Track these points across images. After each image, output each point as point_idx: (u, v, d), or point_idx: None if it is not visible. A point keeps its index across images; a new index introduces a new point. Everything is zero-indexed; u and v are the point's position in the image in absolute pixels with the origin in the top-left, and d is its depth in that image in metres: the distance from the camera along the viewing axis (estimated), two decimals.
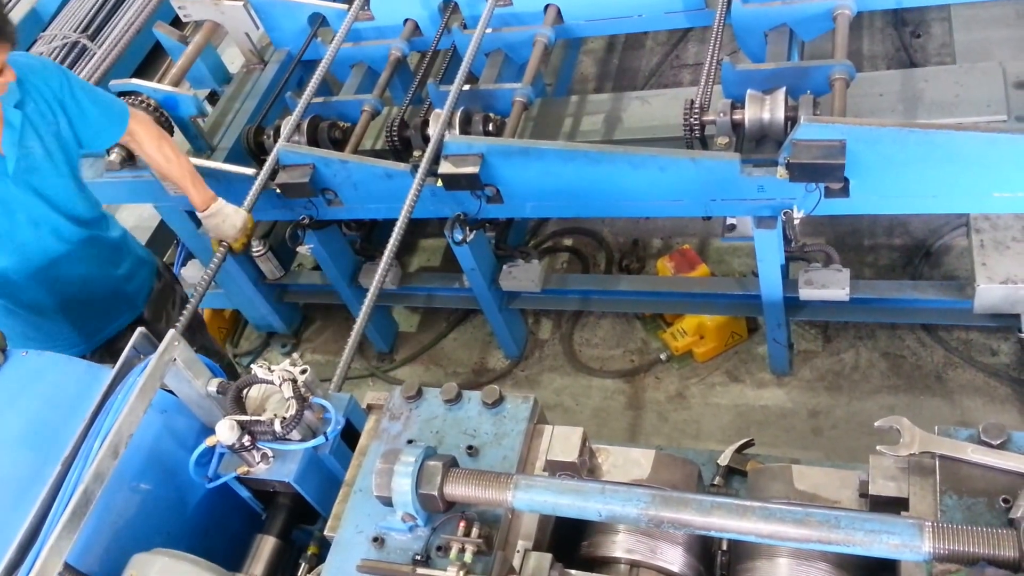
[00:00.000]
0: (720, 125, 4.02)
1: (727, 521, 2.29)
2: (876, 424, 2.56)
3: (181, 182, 4.24)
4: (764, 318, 4.59)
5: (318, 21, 5.47)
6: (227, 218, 4.26)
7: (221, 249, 4.20)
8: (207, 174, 4.68)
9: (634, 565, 2.71)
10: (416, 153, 4.66)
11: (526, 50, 4.99)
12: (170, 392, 3.20)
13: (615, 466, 2.88)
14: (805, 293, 4.21)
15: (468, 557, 2.54)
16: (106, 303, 4.14)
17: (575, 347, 5.50)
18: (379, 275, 3.95)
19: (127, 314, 4.23)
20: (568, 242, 5.99)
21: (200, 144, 5.19)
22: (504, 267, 4.93)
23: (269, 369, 3.06)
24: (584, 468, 2.81)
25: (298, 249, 4.96)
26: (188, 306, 3.95)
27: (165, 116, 4.99)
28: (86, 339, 4.16)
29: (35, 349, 3.50)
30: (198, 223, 5.10)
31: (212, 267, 4.10)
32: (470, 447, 2.86)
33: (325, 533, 2.91)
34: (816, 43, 4.56)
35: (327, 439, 3.10)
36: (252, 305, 5.89)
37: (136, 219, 6.35)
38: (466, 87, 4.62)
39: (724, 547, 2.80)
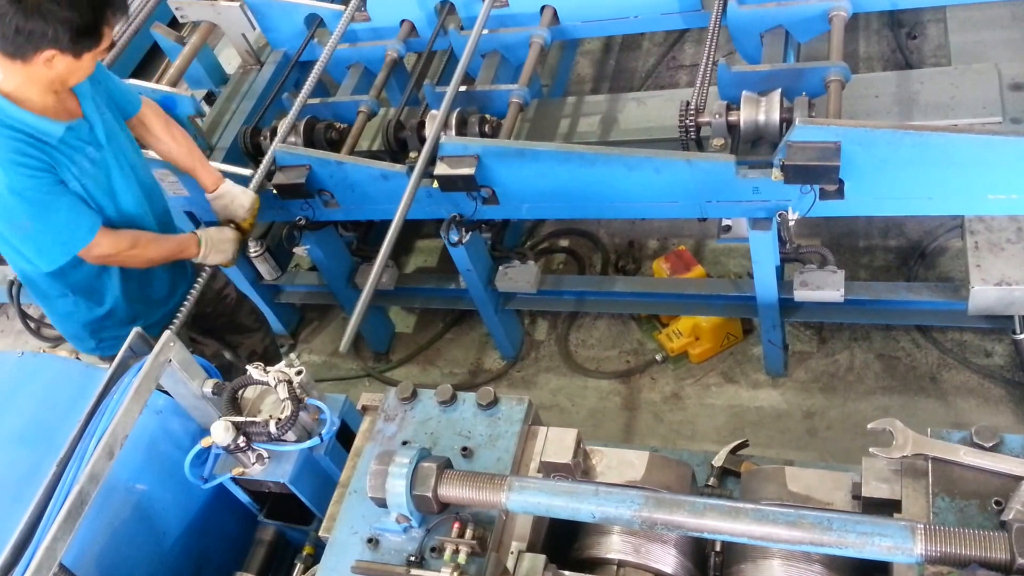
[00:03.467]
0: (715, 127, 4.02)
1: (720, 523, 2.30)
2: (869, 426, 2.57)
3: (190, 164, 4.31)
4: (759, 319, 4.59)
5: (315, 22, 5.47)
6: (235, 198, 4.33)
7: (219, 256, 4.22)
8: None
9: (627, 566, 2.72)
10: (412, 154, 4.66)
11: (522, 51, 5.00)
12: (166, 393, 3.20)
13: (609, 467, 2.88)
14: (800, 294, 4.21)
15: (462, 558, 2.55)
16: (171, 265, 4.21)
17: (571, 348, 5.50)
18: (373, 275, 3.94)
19: (183, 284, 4.27)
20: (564, 243, 5.99)
21: (198, 144, 5.19)
22: (500, 268, 4.93)
23: (265, 370, 3.06)
24: (578, 469, 2.82)
25: (295, 250, 4.96)
26: (186, 305, 3.96)
27: None
28: (153, 319, 4.18)
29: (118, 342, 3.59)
30: (196, 223, 5.12)
31: (202, 279, 4.12)
32: (464, 448, 2.86)
33: (320, 534, 2.91)
34: (812, 45, 4.57)
35: (322, 440, 3.11)
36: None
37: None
38: (462, 88, 4.62)
39: (717, 548, 2.81)
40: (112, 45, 3.51)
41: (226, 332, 4.83)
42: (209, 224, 4.93)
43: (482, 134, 4.53)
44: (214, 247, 4.13)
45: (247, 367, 3.10)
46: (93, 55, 3.39)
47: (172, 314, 4.05)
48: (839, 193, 3.69)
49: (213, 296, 4.54)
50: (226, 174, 4.55)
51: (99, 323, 4.07)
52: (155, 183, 4.16)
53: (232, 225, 4.30)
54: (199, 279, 4.09)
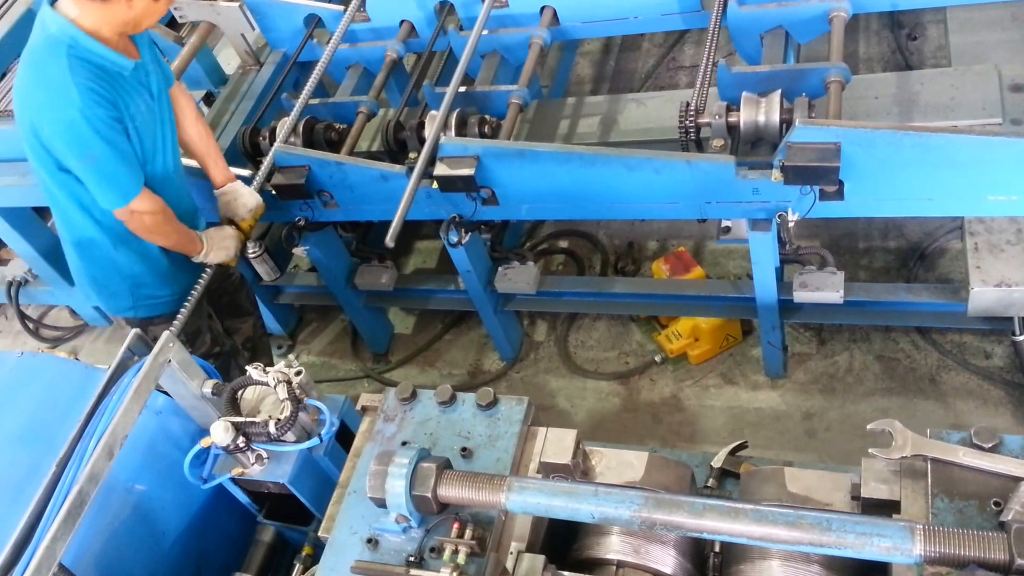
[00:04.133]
0: (715, 127, 4.02)
1: (719, 523, 2.30)
2: (868, 427, 2.57)
3: (205, 157, 4.38)
4: (759, 320, 4.59)
5: (314, 22, 5.47)
6: (239, 197, 4.37)
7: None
8: (203, 175, 4.70)
9: (627, 567, 2.72)
10: (412, 155, 4.66)
11: (522, 52, 4.99)
12: (165, 393, 3.20)
13: (608, 468, 2.89)
14: (800, 296, 4.21)
15: (461, 558, 2.55)
16: None
17: (570, 349, 5.50)
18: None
19: (174, 299, 4.28)
20: (563, 244, 5.99)
21: None
22: (499, 269, 4.92)
23: (264, 371, 3.07)
24: (578, 470, 2.82)
25: (294, 251, 4.95)
26: (185, 306, 3.96)
27: None
28: (186, 283, 4.23)
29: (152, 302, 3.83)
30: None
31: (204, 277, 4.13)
32: (464, 449, 2.87)
33: (319, 534, 2.92)
34: (812, 45, 4.57)
35: (322, 440, 3.12)
36: None
37: None
38: (462, 89, 4.62)
39: (716, 549, 2.82)
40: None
41: (226, 315, 4.85)
42: (209, 224, 4.95)
43: (482, 135, 4.52)
44: (216, 245, 4.16)
45: (247, 367, 3.10)
46: (168, 0, 3.61)
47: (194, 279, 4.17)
48: (839, 194, 3.69)
49: (220, 274, 4.54)
50: None
51: (140, 279, 4.14)
52: (183, 175, 4.25)
53: (232, 225, 4.31)
54: (203, 276, 4.09)
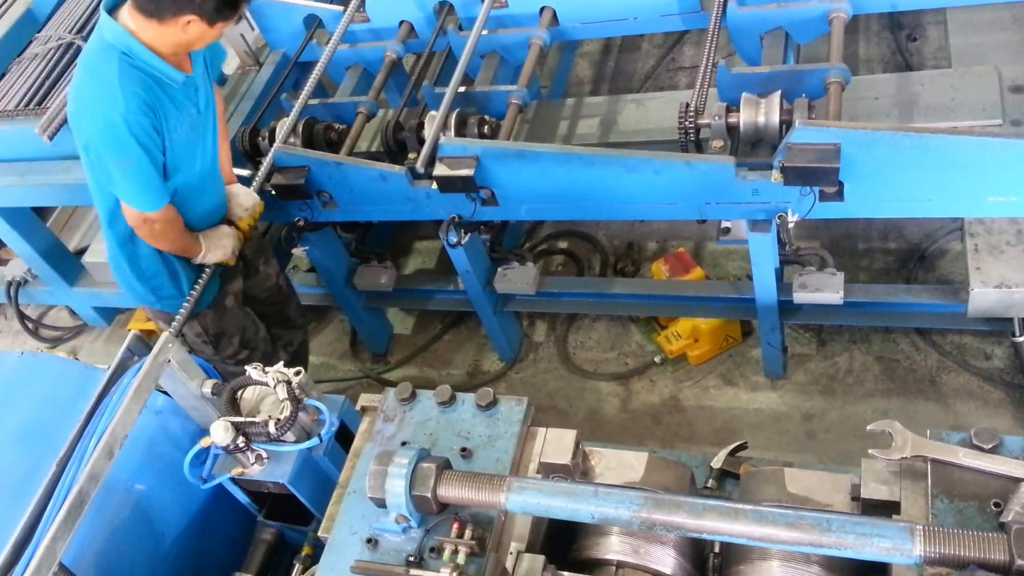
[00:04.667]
0: (715, 128, 4.02)
1: (719, 524, 2.30)
2: (868, 428, 2.57)
3: (220, 156, 4.37)
4: (758, 321, 4.59)
5: (314, 23, 5.47)
6: (236, 197, 4.37)
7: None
8: None
9: (626, 567, 2.72)
10: (411, 155, 4.66)
11: (522, 52, 4.99)
12: (165, 393, 3.20)
13: (608, 468, 2.89)
14: (799, 297, 4.21)
15: (461, 558, 2.55)
16: None
17: (569, 350, 5.50)
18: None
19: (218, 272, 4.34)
20: (563, 245, 5.99)
21: None
22: (499, 270, 4.92)
23: (264, 371, 3.06)
24: (577, 470, 2.82)
25: (293, 251, 4.95)
26: (185, 306, 3.96)
27: None
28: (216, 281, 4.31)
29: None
30: None
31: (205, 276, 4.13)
32: (464, 449, 2.87)
33: (319, 534, 2.92)
34: (812, 46, 4.57)
35: (321, 440, 3.12)
36: None
37: None
38: (461, 89, 4.62)
39: (716, 549, 2.81)
40: (240, 19, 3.85)
41: (273, 324, 4.87)
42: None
43: (481, 135, 4.52)
44: (213, 245, 4.16)
45: (247, 367, 3.10)
46: (225, 26, 3.65)
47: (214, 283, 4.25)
48: (839, 195, 3.69)
49: (271, 285, 4.65)
50: None
51: (181, 274, 4.19)
52: (218, 178, 4.29)
53: (231, 225, 4.31)
54: (201, 278, 4.09)
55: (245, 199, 4.37)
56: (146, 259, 4.11)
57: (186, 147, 3.87)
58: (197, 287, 4.05)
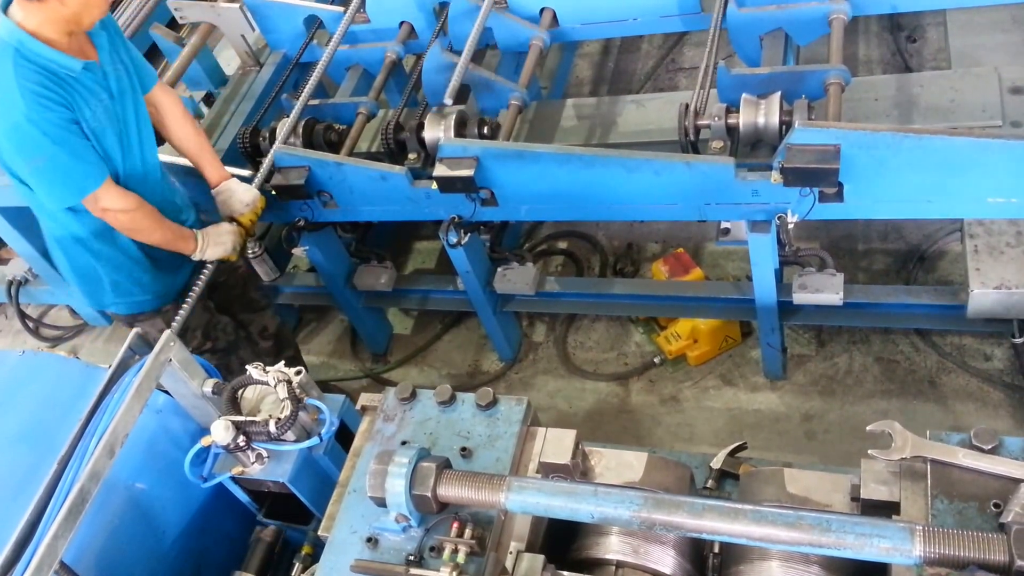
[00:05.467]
0: (715, 129, 4.02)
1: (719, 524, 2.30)
2: (868, 428, 2.58)
3: (198, 156, 4.37)
4: (758, 322, 4.59)
5: (314, 23, 5.47)
6: (234, 194, 4.37)
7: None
8: (203, 175, 4.70)
9: (626, 567, 2.72)
10: (411, 156, 4.67)
11: (521, 53, 5.00)
12: (166, 392, 3.21)
13: (608, 468, 2.89)
14: (799, 297, 4.22)
15: (461, 558, 2.56)
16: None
17: (569, 350, 5.50)
18: None
19: (159, 295, 4.30)
20: (562, 245, 5.99)
21: None
22: (498, 270, 4.93)
23: (264, 370, 3.07)
24: (577, 470, 2.82)
25: (293, 251, 4.96)
26: (185, 306, 3.96)
27: None
28: (171, 282, 4.30)
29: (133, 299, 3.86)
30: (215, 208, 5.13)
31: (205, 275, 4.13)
32: (464, 449, 2.87)
33: (319, 533, 2.92)
34: (812, 47, 4.57)
35: (321, 440, 3.12)
36: None
37: None
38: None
39: (716, 550, 2.82)
40: None
41: (239, 309, 4.84)
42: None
43: (481, 136, 4.53)
44: (212, 242, 4.15)
45: (247, 367, 3.10)
46: None
47: (184, 283, 4.22)
48: (838, 196, 3.69)
49: (227, 267, 4.53)
50: None
51: (120, 278, 4.14)
52: (165, 174, 4.24)
53: (232, 222, 4.31)
54: (203, 272, 4.09)
55: (244, 195, 4.37)
56: (83, 260, 4.08)
57: (108, 136, 3.78)
58: (197, 286, 4.04)
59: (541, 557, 2.57)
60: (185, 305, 3.96)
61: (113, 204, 3.78)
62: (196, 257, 4.15)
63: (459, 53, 4.57)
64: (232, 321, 4.74)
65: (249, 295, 4.88)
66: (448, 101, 4.36)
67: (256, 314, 4.95)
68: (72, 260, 4.10)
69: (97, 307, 4.33)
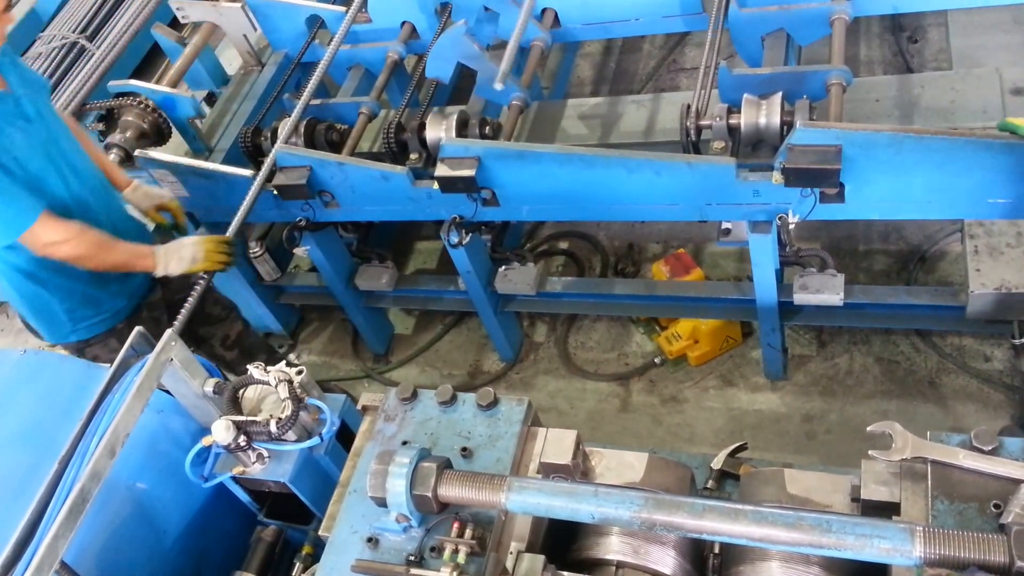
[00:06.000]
0: (716, 129, 4.02)
1: (719, 524, 2.30)
2: (868, 429, 2.58)
3: (104, 163, 4.37)
4: (759, 322, 4.60)
5: (316, 23, 5.47)
6: (145, 187, 4.46)
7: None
8: (205, 175, 4.71)
9: (626, 567, 2.72)
10: (413, 156, 4.67)
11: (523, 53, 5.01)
12: (167, 392, 3.21)
13: (608, 469, 2.89)
14: (800, 298, 4.22)
15: (461, 558, 2.56)
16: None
17: (570, 350, 5.51)
18: None
19: (114, 314, 4.28)
20: (564, 245, 6.00)
21: (198, 145, 5.20)
22: (500, 270, 4.93)
23: (265, 370, 3.07)
24: (578, 471, 2.82)
25: (295, 251, 4.96)
26: (186, 306, 3.96)
27: (163, 117, 5.00)
28: (124, 300, 4.28)
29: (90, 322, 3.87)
30: (196, 224, 5.12)
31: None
32: (464, 449, 2.87)
33: (320, 533, 2.92)
34: (813, 48, 4.57)
35: (322, 440, 3.12)
36: (249, 306, 5.89)
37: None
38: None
39: (716, 550, 2.82)
40: (8, 6, 3.68)
41: (198, 325, 4.76)
42: (210, 224, 4.95)
43: (482, 136, 4.53)
44: (173, 256, 4.08)
45: (248, 367, 3.10)
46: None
47: (135, 296, 4.25)
48: (839, 196, 3.69)
49: (182, 283, 4.45)
50: (228, 175, 4.58)
51: (74, 304, 4.12)
52: (105, 185, 4.20)
53: (167, 218, 4.43)
54: (196, 286, 4.06)
55: (154, 187, 4.48)
56: (35, 293, 4.07)
57: (35, 161, 3.75)
58: (193, 295, 4.01)
59: (541, 557, 2.57)
60: (186, 306, 3.94)
61: (53, 237, 3.72)
62: (159, 274, 4.09)
63: None
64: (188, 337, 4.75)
65: (207, 310, 4.82)
66: (499, 86, 4.36)
67: (215, 326, 4.90)
68: (22, 294, 4.09)
69: (57, 340, 4.26)
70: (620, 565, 2.73)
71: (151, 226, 4.51)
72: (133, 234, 4.21)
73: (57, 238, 3.73)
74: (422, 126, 4.62)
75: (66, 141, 3.95)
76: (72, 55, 5.64)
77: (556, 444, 2.84)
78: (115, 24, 5.86)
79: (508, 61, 4.34)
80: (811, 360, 4.97)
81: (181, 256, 4.09)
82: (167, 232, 4.56)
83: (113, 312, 4.23)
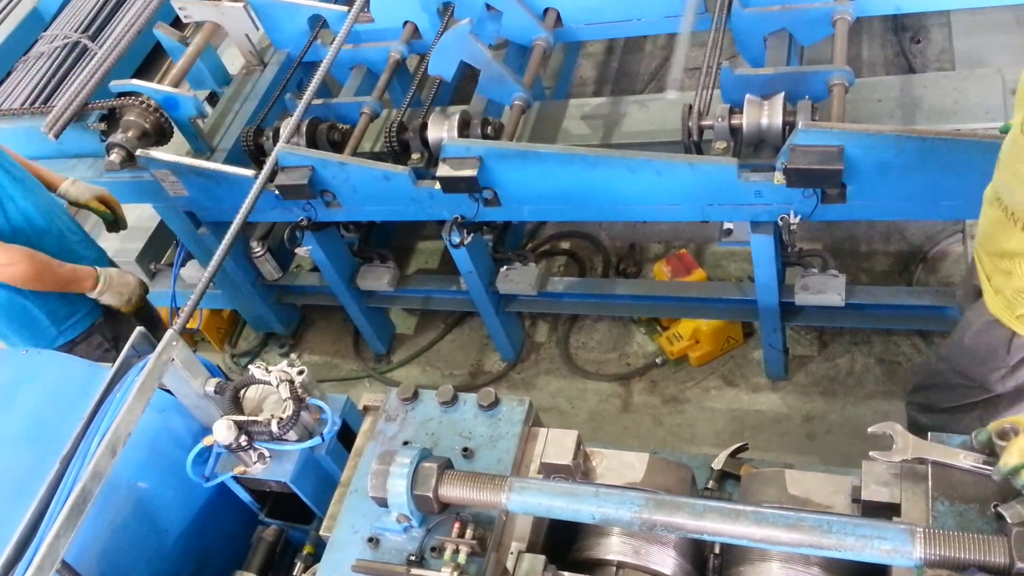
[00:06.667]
0: (718, 130, 4.02)
1: (720, 525, 2.30)
2: (869, 430, 2.57)
3: (32, 166, 4.45)
4: (760, 323, 4.60)
5: (318, 23, 5.47)
6: (80, 183, 4.57)
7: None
8: (206, 175, 4.71)
9: (627, 568, 2.72)
10: (415, 156, 4.67)
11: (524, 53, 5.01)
12: (168, 392, 3.21)
13: (609, 469, 2.89)
14: (801, 298, 4.22)
15: (462, 558, 2.55)
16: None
17: (571, 350, 5.51)
18: None
19: (91, 309, 4.35)
20: (565, 246, 6.00)
21: (199, 145, 5.19)
22: (501, 270, 4.94)
23: (267, 370, 3.07)
24: (578, 471, 2.82)
25: (296, 251, 4.96)
26: (186, 305, 3.95)
27: (165, 117, 5.00)
28: (58, 325, 4.30)
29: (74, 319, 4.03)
30: (197, 224, 5.13)
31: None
32: (465, 449, 2.87)
33: (321, 533, 2.92)
34: (815, 48, 4.57)
35: (323, 440, 3.12)
36: (250, 306, 5.91)
37: (135, 219, 6.35)
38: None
39: (716, 551, 2.82)
40: None
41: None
42: (211, 224, 4.95)
43: (484, 136, 4.53)
44: (113, 287, 4.23)
45: (249, 366, 3.10)
46: None
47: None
48: (841, 197, 3.69)
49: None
50: (230, 175, 4.58)
51: (55, 305, 4.21)
52: (51, 201, 4.33)
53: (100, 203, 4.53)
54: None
55: (83, 192, 4.55)
56: (17, 308, 4.17)
57: None
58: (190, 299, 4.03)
59: (542, 558, 2.57)
60: (187, 305, 3.94)
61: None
62: (93, 296, 4.22)
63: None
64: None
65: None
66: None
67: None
68: (6, 314, 4.18)
69: (44, 346, 4.33)
70: (620, 565, 2.73)
71: (92, 217, 4.76)
72: (91, 259, 4.36)
73: (5, 261, 3.88)
74: (424, 126, 4.62)
75: (6, 174, 4.05)
76: (74, 55, 5.62)
77: (557, 444, 2.84)
78: (117, 23, 5.84)
79: None
80: (812, 360, 4.97)
81: (120, 292, 4.27)
82: (113, 223, 4.76)
83: (89, 308, 4.31)
